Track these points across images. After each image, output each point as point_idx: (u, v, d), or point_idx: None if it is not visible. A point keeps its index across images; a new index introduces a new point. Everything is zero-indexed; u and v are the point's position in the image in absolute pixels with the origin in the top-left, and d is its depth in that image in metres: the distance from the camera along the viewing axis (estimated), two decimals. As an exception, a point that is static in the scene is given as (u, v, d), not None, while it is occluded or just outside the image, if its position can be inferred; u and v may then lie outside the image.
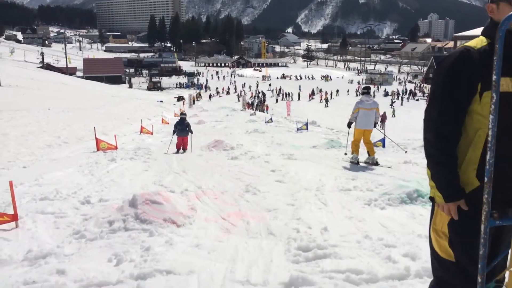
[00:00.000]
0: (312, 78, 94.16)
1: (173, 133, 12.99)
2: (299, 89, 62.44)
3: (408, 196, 5.58)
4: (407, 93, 60.95)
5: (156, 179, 7.99)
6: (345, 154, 10.48)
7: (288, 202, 5.96)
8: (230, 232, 4.78)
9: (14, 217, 4.96)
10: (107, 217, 5.02)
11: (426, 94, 61.05)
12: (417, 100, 57.70)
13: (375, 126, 9.80)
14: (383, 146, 12.97)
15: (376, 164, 9.21)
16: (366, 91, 10.16)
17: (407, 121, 34.28)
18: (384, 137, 13.35)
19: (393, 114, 40.52)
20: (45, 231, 4.85)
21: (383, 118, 30.96)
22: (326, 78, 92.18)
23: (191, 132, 13.00)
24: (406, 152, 11.51)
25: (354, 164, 9.29)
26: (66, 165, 9.77)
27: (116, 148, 12.61)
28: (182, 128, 12.90)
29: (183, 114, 13.76)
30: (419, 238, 4.22)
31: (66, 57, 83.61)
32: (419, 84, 78.20)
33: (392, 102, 49.06)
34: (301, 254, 3.91)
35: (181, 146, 12.85)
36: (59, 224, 5.09)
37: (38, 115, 21.74)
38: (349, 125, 9.92)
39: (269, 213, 5.44)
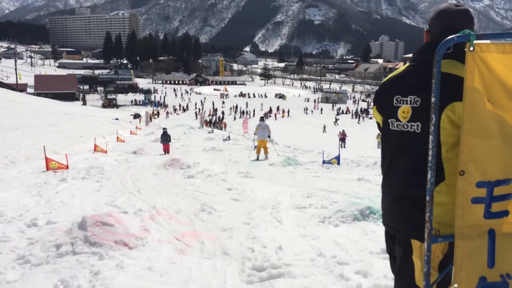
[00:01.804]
0: (265, 96, 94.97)
1: (160, 142, 18.94)
2: (246, 106, 65.15)
3: (361, 213, 5.68)
4: (362, 111, 62.63)
5: (109, 199, 7.75)
6: (248, 157, 15.84)
7: (244, 221, 5.93)
8: (184, 253, 4.68)
9: (-48, 243, 4.66)
10: (54, 241, 4.80)
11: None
12: (370, 118, 59.47)
13: (269, 137, 16.26)
14: (338, 163, 13.21)
15: (266, 158, 15.33)
16: (262, 118, 18.88)
17: (362, 139, 35.17)
18: (339, 155, 13.62)
19: (324, 129, 42.18)
20: (-14, 257, 4.58)
21: (343, 136, 31.62)
22: (280, 96, 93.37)
23: (170, 141, 19.13)
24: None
25: (256, 160, 15.05)
26: (12, 185, 9.33)
27: (67, 167, 12.16)
28: (165, 138, 18.76)
29: (165, 128, 20.58)
30: (371, 254, 4.29)
31: (16, 73, 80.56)
32: (371, 103, 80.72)
33: (336, 120, 50.63)
34: (255, 274, 3.88)
35: (166, 150, 18.26)
36: (2, 249, 4.82)
37: (-16, 134, 20.73)
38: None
39: (224, 233, 5.39)
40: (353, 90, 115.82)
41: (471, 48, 1.68)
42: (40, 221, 6.05)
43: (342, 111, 65.08)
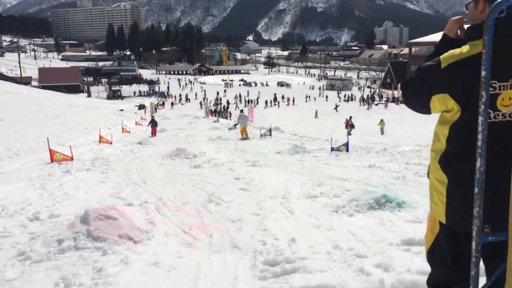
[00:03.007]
0: (267, 84, 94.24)
1: (148, 125, 24.04)
2: (247, 95, 66.01)
3: (376, 202, 5.41)
4: (370, 98, 61.81)
5: (114, 191, 7.54)
6: (236, 139, 19.93)
7: (253, 212, 5.68)
8: (192, 246, 4.45)
9: (-50, 240, 4.45)
10: (56, 236, 4.58)
11: (384, 99, 62.40)
12: (376, 104, 58.89)
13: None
14: (347, 150, 12.94)
15: (247, 138, 20.33)
16: (242, 110, 25.52)
17: (368, 126, 34.80)
18: (348, 142, 13.34)
19: (316, 115, 42.69)
20: (-15, 253, 4.37)
21: (350, 124, 31.20)
22: (282, 84, 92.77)
23: (157, 126, 24.13)
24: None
25: (243, 139, 19.71)
26: (15, 178, 9.15)
27: (71, 159, 11.97)
28: (153, 124, 23.55)
29: (153, 116, 27.86)
30: (391, 246, 4.03)
31: (20, 66, 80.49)
32: (377, 89, 80.00)
33: (336, 106, 50.40)
34: (268, 269, 3.62)
35: (153, 133, 23.11)
36: (2, 245, 4.61)
37: (-12, 127, 20.61)
38: (235, 125, 23.23)
39: (234, 224, 5.14)
40: (358, 76, 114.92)
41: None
42: (43, 214, 5.85)
43: (348, 98, 64.43)
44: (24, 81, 76.94)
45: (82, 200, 6.83)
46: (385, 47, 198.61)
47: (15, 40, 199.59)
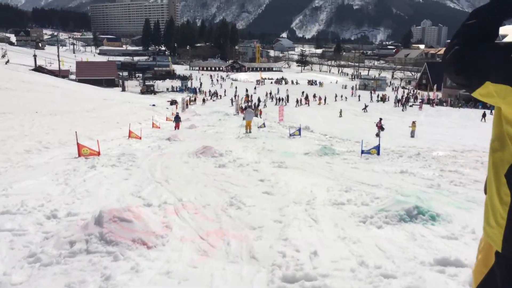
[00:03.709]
0: (297, 83, 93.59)
1: (173, 120, 26.23)
2: (277, 92, 66.65)
3: (408, 214, 5.03)
4: (404, 99, 60.09)
5: (135, 189, 7.40)
6: (239, 133, 21.09)
7: (275, 219, 5.40)
8: (207, 254, 4.21)
9: (-37, 237, 4.37)
10: (69, 237, 4.43)
11: (419, 100, 60.70)
12: (411, 106, 57.30)
13: (256, 116, 26.44)
14: (378, 153, 12.46)
15: (250, 132, 21.88)
16: (250, 106, 33.76)
17: (401, 127, 33.85)
18: (379, 145, 12.84)
19: (340, 114, 41.85)
20: (-4, 253, 4.26)
21: (379, 125, 30.28)
22: (312, 83, 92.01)
23: (181, 121, 26.09)
24: None
25: (247, 133, 21.33)
26: (41, 172, 9.16)
27: (98, 154, 11.99)
28: (177, 119, 25.61)
29: (177, 112, 30.50)
30: (422, 266, 3.67)
31: (58, 60, 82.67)
32: (412, 90, 78.00)
33: (365, 106, 49.03)
34: (286, 286, 3.35)
35: (177, 127, 24.85)
36: (15, 244, 4.51)
37: (24, 119, 21.05)
38: (244, 119, 23.06)
39: (253, 232, 4.87)
40: (392, 77, 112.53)
41: None
42: (61, 212, 5.75)
43: (381, 98, 62.93)
44: (62, 74, 79.00)
45: (103, 198, 6.72)
46: (422, 46, 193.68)
47: (55, 33, 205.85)
